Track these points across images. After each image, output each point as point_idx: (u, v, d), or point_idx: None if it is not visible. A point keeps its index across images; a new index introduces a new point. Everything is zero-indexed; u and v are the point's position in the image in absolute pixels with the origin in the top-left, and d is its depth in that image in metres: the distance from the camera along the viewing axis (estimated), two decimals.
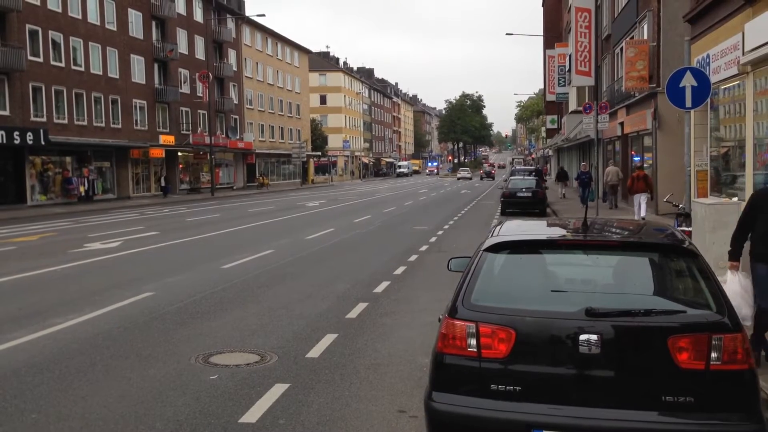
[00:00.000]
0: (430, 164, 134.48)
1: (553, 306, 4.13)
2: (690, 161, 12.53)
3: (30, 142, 34.39)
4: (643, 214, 21.11)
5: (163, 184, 47.93)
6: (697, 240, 8.64)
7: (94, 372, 6.79)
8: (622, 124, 29.01)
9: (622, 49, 27.45)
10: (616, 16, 31.55)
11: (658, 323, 3.85)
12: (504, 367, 3.90)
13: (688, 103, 11.22)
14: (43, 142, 35.15)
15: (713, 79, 15.36)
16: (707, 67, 16.68)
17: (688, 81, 11.10)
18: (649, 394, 3.73)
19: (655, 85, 23.17)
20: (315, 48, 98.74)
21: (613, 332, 3.79)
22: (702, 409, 3.69)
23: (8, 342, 7.88)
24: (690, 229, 9.96)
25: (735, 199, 14.66)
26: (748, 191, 15.49)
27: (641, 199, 21.38)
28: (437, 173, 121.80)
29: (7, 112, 34.74)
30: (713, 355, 3.71)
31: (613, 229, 5.17)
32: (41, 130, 35.20)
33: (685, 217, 11.40)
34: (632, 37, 26.74)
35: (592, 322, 3.81)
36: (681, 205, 12.40)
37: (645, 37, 24.84)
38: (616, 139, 32.01)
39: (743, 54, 14.73)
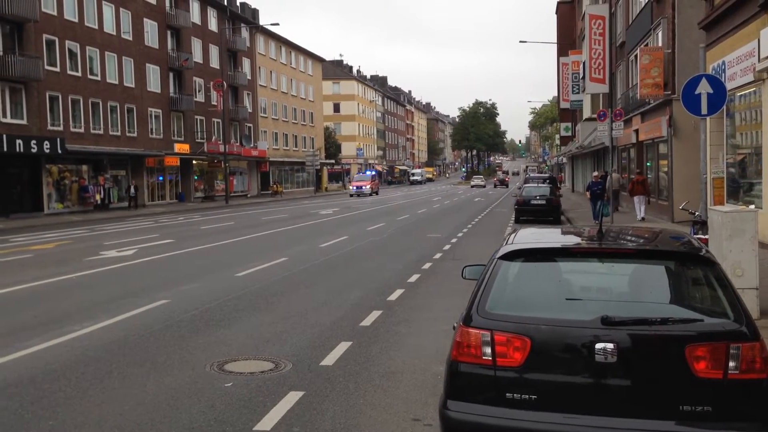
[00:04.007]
0: (360, 175, 74.43)
1: (569, 314, 4.11)
2: (706, 168, 12.45)
3: (47, 151, 34.71)
4: (642, 215, 24.04)
5: (132, 193, 43.64)
6: (714, 248, 8.57)
7: (110, 379, 6.82)
8: (637, 131, 28.89)
9: (636, 56, 27.35)
10: (630, 23, 31.45)
11: (675, 332, 3.82)
12: (519, 376, 3.88)
13: (704, 110, 11.17)
14: (59, 151, 35.46)
15: (729, 86, 15.29)
16: (723, 74, 16.59)
17: (704, 88, 11.04)
18: (666, 404, 3.70)
19: (670, 93, 23.06)
20: (328, 56, 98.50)
21: (629, 341, 3.77)
22: (720, 418, 3.66)
23: (25, 349, 7.93)
24: (706, 236, 9.88)
25: (752, 206, 14.55)
26: (766, 199, 15.37)
27: (640, 201, 24.15)
28: (370, 191, 63.73)
29: (24, 121, 35.12)
30: (731, 364, 3.68)
31: (629, 237, 5.14)
32: (58, 139, 35.52)
33: (701, 224, 11.32)
34: (647, 44, 26.63)
35: (608, 331, 3.79)
36: (697, 213, 12.31)
37: (660, 44, 24.74)
38: (631, 146, 31.87)
39: (759, 60, 14.65)
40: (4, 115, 33.96)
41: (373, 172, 76.01)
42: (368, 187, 64.25)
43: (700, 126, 12.76)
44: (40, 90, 36.15)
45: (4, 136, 32.22)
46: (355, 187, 64.82)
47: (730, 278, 4.27)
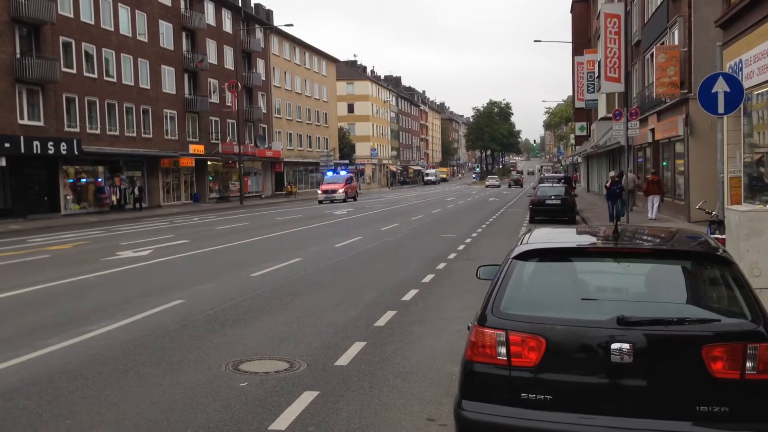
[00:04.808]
0: (332, 175, 56.06)
1: (584, 314, 4.09)
2: (723, 168, 12.36)
3: (64, 152, 35.04)
4: (653, 215, 24.17)
5: (136, 195, 42.36)
6: (731, 248, 8.50)
7: (127, 378, 6.87)
8: (653, 130, 28.70)
9: (652, 54, 27.18)
10: (646, 21, 31.25)
11: (691, 332, 3.79)
12: (534, 376, 3.87)
13: (721, 109, 11.08)
14: (76, 152, 35.82)
15: (746, 84, 15.14)
16: (740, 73, 16.44)
17: (721, 86, 10.96)
18: (683, 404, 3.68)
19: (686, 91, 22.89)
20: (342, 57, 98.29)
21: (645, 341, 3.75)
22: (737, 419, 3.63)
23: (43, 349, 8.01)
24: (723, 236, 9.81)
25: None
26: None
27: (654, 201, 24.28)
28: (344, 197, 50.98)
29: (41, 123, 35.45)
30: (748, 364, 3.65)
31: (645, 237, 5.11)
32: (74, 141, 35.86)
33: (718, 224, 11.24)
34: (663, 43, 26.45)
35: (623, 331, 3.77)
36: (714, 213, 12.23)
37: (676, 42, 24.56)
38: (647, 145, 31.65)
39: None
40: (22, 117, 34.29)
41: (348, 173, 58.75)
42: (341, 191, 51.15)
43: (717, 125, 12.66)
44: (57, 92, 36.48)
45: (22, 137, 32.56)
46: (324, 192, 51.24)
47: (748, 278, 4.24)
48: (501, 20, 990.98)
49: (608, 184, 25.36)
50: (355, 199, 53.42)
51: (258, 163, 61.95)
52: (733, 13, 17.22)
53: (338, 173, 57.11)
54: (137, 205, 42.01)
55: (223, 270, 14.69)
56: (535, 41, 52.33)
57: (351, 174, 58.65)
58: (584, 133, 61.90)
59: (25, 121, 34.43)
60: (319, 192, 52.46)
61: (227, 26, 57.24)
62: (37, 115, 35.47)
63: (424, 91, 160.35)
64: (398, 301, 10.73)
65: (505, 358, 3.92)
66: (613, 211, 24.34)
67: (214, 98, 53.98)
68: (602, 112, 46.09)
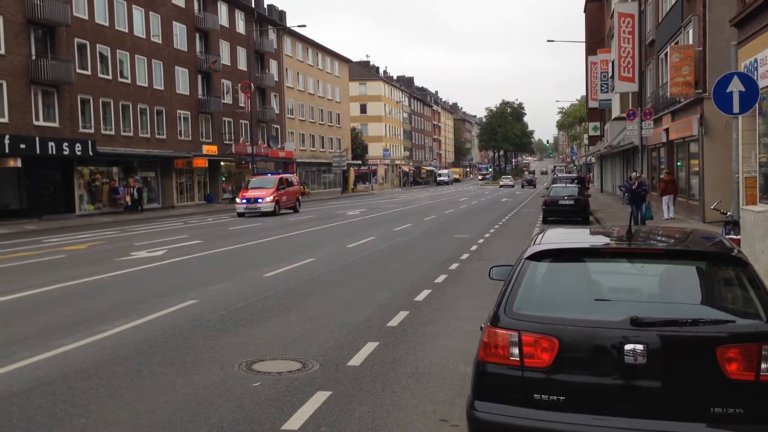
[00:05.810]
0: (260, 178, 39.14)
1: (598, 315, 4.08)
2: (738, 168, 12.26)
3: (78, 153, 35.27)
4: (672, 214, 23.99)
5: (135, 196, 41.01)
6: (746, 248, 8.45)
7: (141, 378, 6.91)
8: (667, 130, 28.52)
9: (666, 54, 27.01)
10: (660, 21, 31.07)
11: (706, 333, 3.77)
12: (547, 377, 3.86)
13: (736, 108, 11.00)
14: (91, 153, 36.05)
15: (761, 83, 15.01)
16: (755, 72, 16.31)
17: (736, 86, 10.88)
18: (697, 406, 3.66)
19: (701, 91, 22.73)
20: (355, 57, 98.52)
21: (659, 342, 3.73)
22: (752, 421, 3.61)
23: (58, 348, 8.07)
24: (738, 237, 9.75)
25: None
26: None
27: (669, 201, 24.17)
28: (273, 208, 34.83)
29: (56, 124, 35.72)
30: (763, 366, 3.63)
31: (659, 237, 5.09)
32: (89, 141, 36.10)
33: (733, 224, 11.17)
34: (677, 42, 26.29)
35: (637, 332, 3.75)
36: (729, 213, 12.15)
37: (690, 41, 24.40)
38: (661, 145, 31.46)
39: None
40: (37, 118, 34.57)
41: (288, 175, 41.58)
42: (269, 199, 35.42)
43: (731, 125, 12.57)
44: (71, 93, 36.75)
45: (37, 138, 32.81)
46: (244, 201, 35.71)
47: (763, 279, 4.21)
48: (513, 20, 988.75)
49: (633, 187, 23.35)
50: (295, 210, 38.54)
51: (271, 164, 62.02)
52: (747, 12, 17.09)
53: (268, 175, 40.66)
54: (138, 207, 40.81)
55: (237, 270, 14.74)
56: (548, 41, 52.30)
57: (290, 175, 42.13)
58: (598, 133, 61.64)
59: (41, 122, 34.69)
60: (238, 201, 36.99)
61: (240, 27, 57.44)
62: (52, 116, 35.75)
63: (436, 92, 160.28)
64: (411, 302, 10.73)
65: (518, 359, 3.92)
66: (638, 216, 22.01)
67: (228, 99, 54.18)
68: (616, 112, 45.85)
